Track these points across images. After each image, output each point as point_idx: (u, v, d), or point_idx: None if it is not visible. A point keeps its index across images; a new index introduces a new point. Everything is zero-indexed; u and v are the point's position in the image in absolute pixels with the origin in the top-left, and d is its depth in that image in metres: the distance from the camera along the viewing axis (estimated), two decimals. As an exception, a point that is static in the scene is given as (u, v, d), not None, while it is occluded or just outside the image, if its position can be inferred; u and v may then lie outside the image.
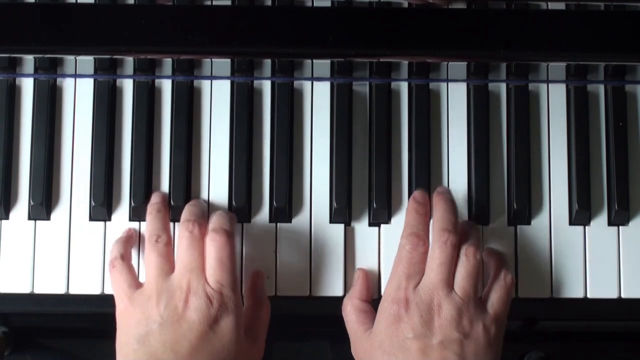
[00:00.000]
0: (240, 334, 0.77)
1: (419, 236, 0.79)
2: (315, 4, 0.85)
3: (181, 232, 0.79)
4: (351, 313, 0.80)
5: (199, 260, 0.77)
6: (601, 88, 0.86)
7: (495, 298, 0.78)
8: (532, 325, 0.86)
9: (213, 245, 0.77)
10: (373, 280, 0.82)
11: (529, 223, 0.84)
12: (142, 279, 0.80)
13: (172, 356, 0.74)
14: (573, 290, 0.83)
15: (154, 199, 0.82)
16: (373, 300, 0.81)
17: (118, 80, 0.85)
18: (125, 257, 0.80)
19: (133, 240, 0.82)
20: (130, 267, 0.80)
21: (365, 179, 0.84)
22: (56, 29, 0.79)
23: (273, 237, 0.83)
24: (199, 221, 0.79)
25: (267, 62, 0.85)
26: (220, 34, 0.79)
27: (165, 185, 0.84)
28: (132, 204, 0.83)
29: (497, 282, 0.79)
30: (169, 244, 0.80)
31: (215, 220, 0.80)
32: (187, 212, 0.81)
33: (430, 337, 0.75)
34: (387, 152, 0.84)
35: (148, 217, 0.81)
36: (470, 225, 0.82)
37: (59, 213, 0.83)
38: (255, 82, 0.85)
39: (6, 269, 0.82)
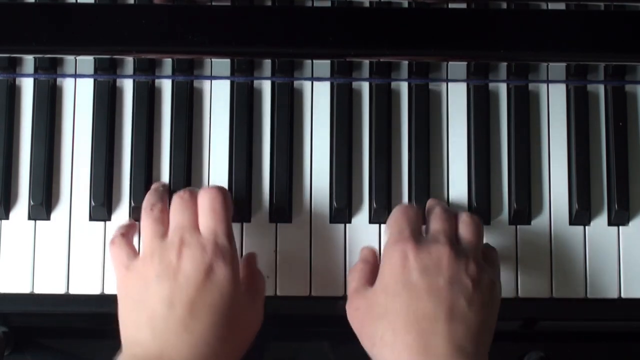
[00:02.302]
0: (238, 287, 0.76)
1: (412, 205, 0.80)
2: (315, 4, 0.85)
3: (172, 200, 0.79)
4: (359, 271, 0.79)
5: (191, 217, 0.77)
6: (601, 88, 0.86)
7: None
8: (532, 325, 0.86)
9: (206, 196, 0.77)
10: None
11: (529, 223, 0.84)
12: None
13: (172, 311, 0.73)
14: (573, 290, 0.83)
15: (155, 184, 0.83)
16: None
17: (118, 80, 0.85)
18: (125, 235, 0.80)
19: (136, 228, 0.82)
20: (129, 243, 0.80)
21: (366, 179, 0.84)
22: (56, 29, 0.79)
23: (273, 236, 0.83)
24: (190, 190, 0.80)
25: (267, 62, 0.85)
26: (220, 34, 0.79)
27: (165, 185, 0.84)
28: (132, 204, 0.83)
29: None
30: (164, 211, 0.79)
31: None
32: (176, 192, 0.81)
33: (438, 275, 0.73)
34: (387, 152, 0.84)
35: (147, 194, 0.81)
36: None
37: (59, 213, 0.83)
38: (255, 82, 0.85)
39: (6, 269, 0.82)
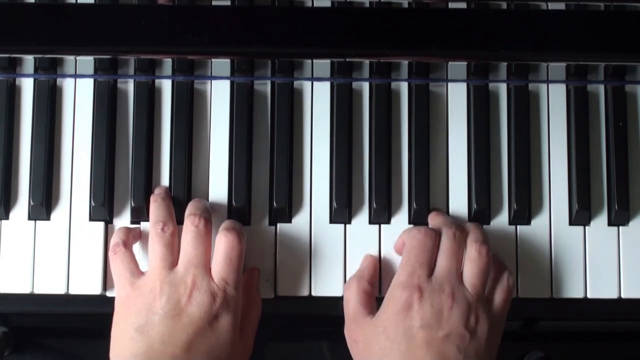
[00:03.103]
0: (236, 333, 0.77)
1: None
2: (315, 4, 0.85)
3: (186, 225, 0.79)
4: (355, 294, 0.80)
5: (204, 255, 0.78)
6: (601, 88, 0.86)
7: (497, 300, 0.79)
8: (532, 325, 0.86)
9: (224, 242, 0.77)
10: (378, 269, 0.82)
11: (529, 223, 0.84)
12: (142, 267, 0.80)
13: (169, 348, 0.74)
14: (573, 290, 0.83)
15: (158, 190, 0.83)
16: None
17: (118, 80, 0.85)
18: (127, 244, 0.80)
19: (136, 232, 0.82)
20: (131, 255, 0.80)
21: (365, 179, 0.84)
22: (56, 29, 0.79)
23: (273, 237, 0.83)
24: (204, 215, 0.79)
25: (267, 62, 0.85)
26: (220, 34, 0.79)
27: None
28: (132, 204, 0.83)
29: (499, 284, 0.79)
30: (175, 234, 0.79)
31: (227, 222, 0.80)
32: (192, 207, 0.81)
33: (437, 329, 0.75)
34: (387, 152, 0.84)
35: (153, 205, 0.81)
36: (477, 226, 0.82)
37: (59, 213, 0.83)
38: (255, 82, 0.85)
39: (6, 269, 0.82)
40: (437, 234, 0.79)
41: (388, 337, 0.76)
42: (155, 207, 0.81)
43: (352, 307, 0.80)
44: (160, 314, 0.75)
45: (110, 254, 0.80)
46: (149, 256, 0.79)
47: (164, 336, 0.74)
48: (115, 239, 0.80)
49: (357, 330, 0.79)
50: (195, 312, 0.75)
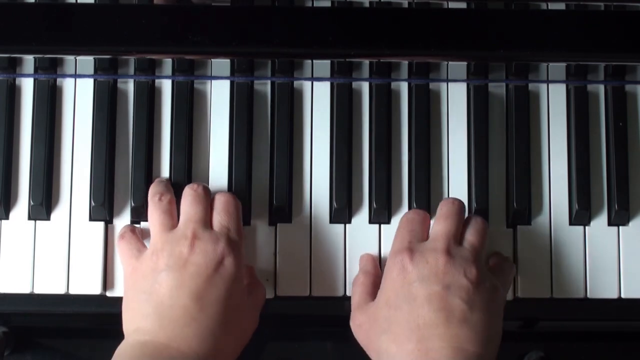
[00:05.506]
0: (243, 283, 0.77)
1: (419, 209, 0.81)
2: (315, 4, 0.85)
3: (185, 192, 0.80)
4: (361, 284, 0.80)
5: (203, 212, 0.78)
6: (601, 88, 0.86)
7: (499, 267, 0.81)
8: (532, 325, 0.86)
9: (221, 199, 0.79)
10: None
11: (529, 223, 0.84)
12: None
13: (179, 301, 0.74)
14: (573, 290, 0.83)
15: (158, 178, 0.83)
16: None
17: (118, 80, 0.85)
18: (133, 232, 0.81)
19: (142, 230, 0.82)
20: (139, 238, 0.81)
21: (365, 179, 0.84)
22: (56, 29, 0.79)
23: (273, 237, 0.83)
24: (203, 185, 0.80)
25: (267, 62, 0.85)
26: (220, 34, 0.79)
27: (165, 185, 0.84)
28: (132, 204, 0.83)
29: (500, 259, 0.82)
30: (172, 203, 0.80)
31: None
32: (189, 184, 0.82)
33: (435, 282, 0.74)
34: (387, 152, 0.84)
35: (152, 185, 0.82)
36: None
37: (59, 213, 0.83)
38: (255, 82, 0.85)
39: (6, 269, 0.82)
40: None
41: (390, 306, 0.75)
42: (154, 184, 0.82)
43: (357, 297, 0.80)
44: (166, 269, 0.75)
45: (118, 239, 0.81)
46: (149, 225, 0.79)
47: (172, 290, 0.74)
48: (123, 229, 0.81)
49: (361, 315, 0.78)
50: (199, 259, 0.75)
